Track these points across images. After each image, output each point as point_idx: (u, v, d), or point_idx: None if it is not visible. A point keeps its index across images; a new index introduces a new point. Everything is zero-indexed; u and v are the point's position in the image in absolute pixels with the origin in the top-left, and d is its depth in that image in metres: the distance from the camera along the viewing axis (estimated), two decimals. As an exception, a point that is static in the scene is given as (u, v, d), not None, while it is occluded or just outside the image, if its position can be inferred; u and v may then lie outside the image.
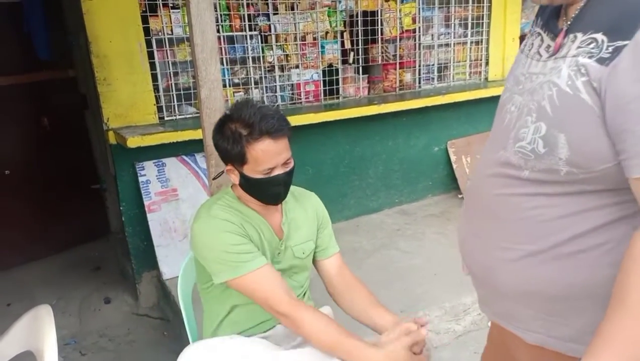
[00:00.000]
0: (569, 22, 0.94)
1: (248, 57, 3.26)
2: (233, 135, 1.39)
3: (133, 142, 2.63)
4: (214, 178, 1.63)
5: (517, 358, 1.17)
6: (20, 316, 1.59)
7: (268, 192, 1.47)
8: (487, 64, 4.34)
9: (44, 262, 3.73)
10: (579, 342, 0.96)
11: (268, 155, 1.39)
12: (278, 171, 1.43)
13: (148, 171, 2.94)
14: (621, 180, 0.86)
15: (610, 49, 0.82)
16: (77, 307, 3.14)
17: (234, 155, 1.41)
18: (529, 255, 0.99)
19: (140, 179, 2.91)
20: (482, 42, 4.31)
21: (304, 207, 1.64)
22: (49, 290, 3.29)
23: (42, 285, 3.43)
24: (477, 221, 1.11)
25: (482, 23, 4.24)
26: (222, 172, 1.52)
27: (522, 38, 4.39)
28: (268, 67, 3.39)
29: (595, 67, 0.84)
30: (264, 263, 1.42)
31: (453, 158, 4.05)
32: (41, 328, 1.43)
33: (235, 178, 1.48)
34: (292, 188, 1.59)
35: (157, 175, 2.96)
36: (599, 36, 0.85)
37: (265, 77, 3.38)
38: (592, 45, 0.86)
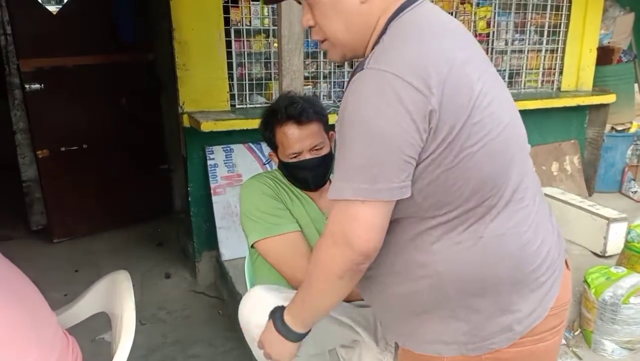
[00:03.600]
0: None
1: (320, 51, 3.32)
2: (265, 121, 1.51)
3: (207, 126, 2.73)
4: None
5: None
6: (87, 282, 1.69)
7: (297, 176, 1.52)
8: (560, 73, 4.21)
9: (110, 234, 3.92)
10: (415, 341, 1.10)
11: (292, 139, 1.46)
12: (305, 156, 1.48)
13: (217, 155, 3.05)
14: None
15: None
16: (139, 279, 3.28)
17: (268, 140, 1.53)
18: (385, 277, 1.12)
19: (209, 162, 3.02)
20: (557, 50, 4.18)
21: None
22: (113, 261, 3.44)
23: (107, 255, 3.61)
24: None
25: (559, 31, 4.12)
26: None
27: (599, 50, 4.24)
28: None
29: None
30: (295, 229, 1.48)
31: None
32: (120, 291, 1.51)
33: (276, 162, 1.59)
34: None
35: (224, 160, 3.07)
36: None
37: (334, 72, 3.42)
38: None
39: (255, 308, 1.34)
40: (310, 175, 1.50)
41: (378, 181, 0.91)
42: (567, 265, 1.15)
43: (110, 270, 1.66)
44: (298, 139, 1.46)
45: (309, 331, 1.20)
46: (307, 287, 1.12)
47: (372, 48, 1.00)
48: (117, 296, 1.51)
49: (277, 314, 1.21)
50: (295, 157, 1.48)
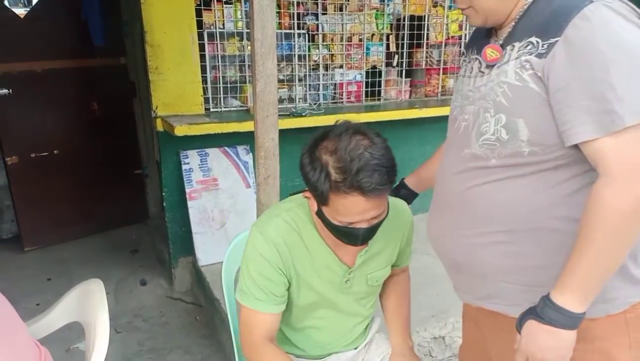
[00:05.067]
0: (501, 39, 1.14)
1: (294, 54, 3.31)
2: (321, 172, 1.14)
3: (180, 130, 2.70)
4: (291, 194, 1.48)
5: (497, 343, 1.27)
6: (60, 291, 1.65)
7: (343, 238, 1.25)
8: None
9: (83, 241, 3.86)
10: None
11: (353, 211, 1.16)
12: (361, 225, 1.21)
13: (191, 160, 3.02)
14: (576, 152, 1.02)
15: (545, 46, 1.02)
16: (113, 287, 3.24)
17: (315, 189, 1.18)
18: (505, 234, 1.11)
19: (184, 167, 2.99)
20: (527, 52, 4.26)
21: (393, 225, 1.42)
22: (87, 269, 3.40)
23: (81, 263, 3.55)
24: (451, 216, 1.22)
25: (529, 33, 4.20)
26: (299, 191, 1.36)
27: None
28: (313, 65, 3.43)
29: (536, 60, 1.02)
30: (273, 312, 1.33)
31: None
32: (93, 300, 1.49)
33: (312, 205, 1.27)
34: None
35: (199, 164, 3.04)
36: (533, 39, 1.04)
37: (310, 75, 3.42)
38: (529, 47, 1.05)
39: None
40: (361, 240, 1.25)
41: None
42: None
43: (83, 279, 1.63)
44: (361, 212, 1.17)
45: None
46: (584, 248, 0.98)
47: (516, 16, 1.11)
48: (90, 305, 1.49)
49: (542, 304, 1.03)
50: (348, 224, 1.20)
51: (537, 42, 1.03)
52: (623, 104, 0.93)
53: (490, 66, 1.14)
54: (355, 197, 1.12)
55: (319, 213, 1.24)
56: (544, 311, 1.02)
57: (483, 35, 1.23)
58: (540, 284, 1.08)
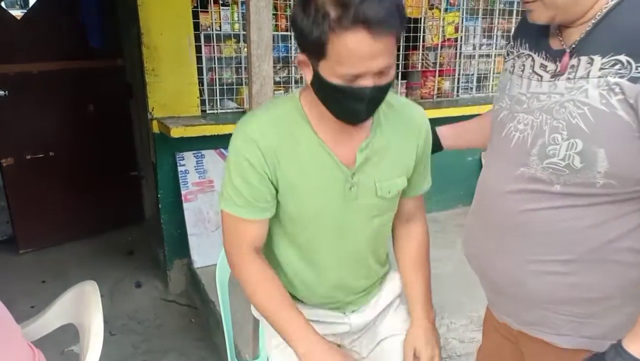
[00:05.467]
0: (573, 45, 1.00)
1: (291, 56, 3.32)
2: (316, 14, 0.96)
3: (176, 132, 2.70)
4: None
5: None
6: (55, 293, 1.65)
7: (345, 106, 1.07)
8: (527, 77, 4.31)
9: (79, 243, 3.84)
10: (609, 338, 1.00)
11: (358, 55, 0.97)
12: (367, 82, 1.02)
13: (187, 161, 3.02)
14: None
15: (639, 69, 0.88)
16: (108, 289, 3.23)
17: (310, 42, 0.99)
18: (564, 264, 1.03)
19: (180, 169, 2.99)
20: (523, 55, 4.28)
21: (404, 124, 1.25)
22: (82, 271, 3.38)
23: (76, 265, 3.53)
24: (500, 237, 1.13)
25: (525, 36, 4.22)
26: None
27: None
28: (309, 67, 3.43)
29: (629, 85, 0.89)
30: (254, 218, 1.20)
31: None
32: (87, 302, 1.48)
33: (308, 74, 1.09)
34: (390, 96, 1.21)
35: (195, 166, 3.04)
36: (623, 58, 0.90)
37: (306, 77, 3.43)
38: (617, 66, 0.90)
39: None
40: (366, 108, 1.06)
41: None
42: None
43: (79, 280, 1.62)
44: (368, 57, 0.97)
45: None
46: None
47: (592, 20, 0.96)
48: (85, 307, 1.48)
49: (613, 353, 0.93)
50: (352, 80, 1.01)
51: (629, 63, 0.89)
52: None
53: (557, 75, 1.01)
54: (360, 34, 0.95)
55: (316, 80, 1.07)
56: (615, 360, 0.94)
57: (539, 28, 1.08)
58: (592, 315, 1.03)
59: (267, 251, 1.32)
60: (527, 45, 1.12)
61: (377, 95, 1.06)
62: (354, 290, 1.35)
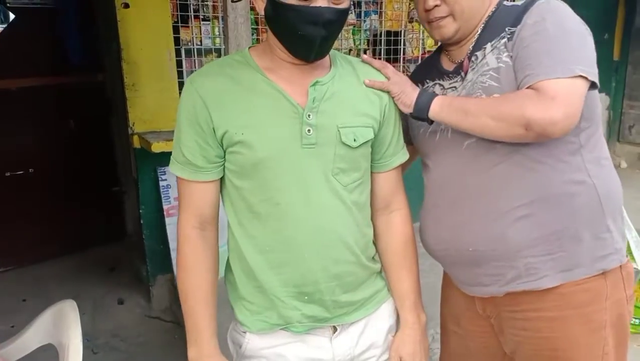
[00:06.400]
0: (467, 53, 1.24)
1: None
2: None
3: (157, 147, 2.69)
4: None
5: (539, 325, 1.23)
6: (36, 312, 1.63)
7: (300, 30, 1.02)
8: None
9: (60, 260, 3.78)
10: (581, 265, 1.17)
11: None
12: (321, 2, 1.01)
13: (169, 176, 3.00)
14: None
15: (512, 33, 1.15)
16: (91, 306, 3.18)
17: None
18: (528, 207, 1.16)
19: (161, 183, 2.97)
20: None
21: (365, 75, 1.20)
22: (64, 288, 3.33)
23: (57, 283, 3.48)
24: (470, 207, 1.22)
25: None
26: None
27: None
28: (291, 81, 3.45)
29: (509, 43, 1.15)
30: (198, 179, 1.12)
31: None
32: (66, 322, 1.47)
33: (260, 3, 1.09)
34: (352, 57, 1.24)
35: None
36: (504, 34, 1.17)
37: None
38: (503, 38, 1.16)
39: None
40: (319, 33, 1.02)
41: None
42: None
43: (60, 299, 1.61)
44: None
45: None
46: (479, 111, 1.13)
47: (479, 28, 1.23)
48: (64, 327, 1.47)
49: (427, 95, 1.21)
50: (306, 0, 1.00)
51: (511, 31, 1.16)
52: None
53: (463, 77, 1.24)
54: None
55: (269, 6, 1.05)
56: (422, 95, 1.22)
57: (429, 64, 1.37)
58: (561, 248, 1.16)
59: (233, 245, 1.22)
60: (428, 80, 1.33)
61: (332, 19, 1.03)
62: (340, 279, 1.18)
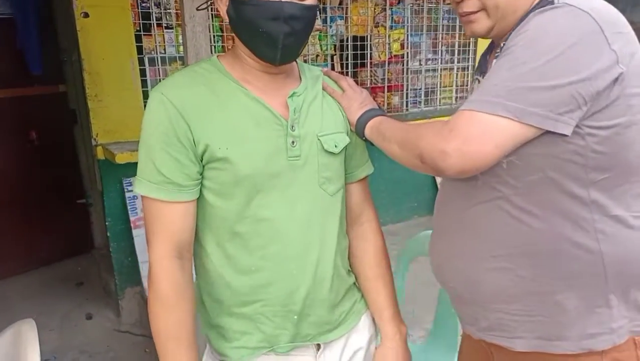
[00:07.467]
0: (497, 52, 1.06)
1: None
2: None
3: (122, 157, 2.64)
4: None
5: None
6: (1, 330, 1.58)
7: (261, 26, 0.98)
8: (472, 90, 4.44)
9: (26, 276, 3.69)
10: (563, 338, 1.00)
11: None
12: None
13: (135, 187, 2.95)
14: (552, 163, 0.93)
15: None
16: (58, 322, 3.11)
17: None
18: (507, 259, 1.01)
19: (127, 195, 2.92)
20: (468, 68, 4.41)
21: (325, 93, 1.19)
22: (30, 305, 3.25)
23: (23, 299, 3.39)
24: (449, 243, 1.13)
25: (469, 50, 4.35)
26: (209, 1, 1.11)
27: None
28: (258, 87, 3.43)
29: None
30: (174, 199, 1.01)
31: (438, 180, 4.11)
32: (24, 342, 1.42)
33: (222, 6, 1.04)
34: (312, 67, 1.22)
35: (144, 192, 2.97)
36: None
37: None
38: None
39: None
40: (281, 29, 0.98)
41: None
42: None
43: (26, 315, 1.56)
44: None
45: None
46: (391, 136, 1.09)
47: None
48: (22, 348, 1.41)
49: (368, 114, 1.16)
50: None
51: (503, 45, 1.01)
52: None
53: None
54: None
55: (232, 5, 1.01)
56: (362, 117, 1.16)
57: (481, 58, 1.19)
58: (542, 312, 1.01)
59: (205, 270, 1.14)
60: (477, 74, 1.19)
61: (295, 14, 0.98)
62: (326, 294, 1.15)
